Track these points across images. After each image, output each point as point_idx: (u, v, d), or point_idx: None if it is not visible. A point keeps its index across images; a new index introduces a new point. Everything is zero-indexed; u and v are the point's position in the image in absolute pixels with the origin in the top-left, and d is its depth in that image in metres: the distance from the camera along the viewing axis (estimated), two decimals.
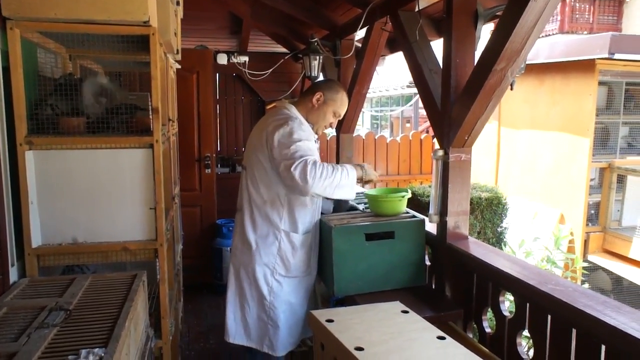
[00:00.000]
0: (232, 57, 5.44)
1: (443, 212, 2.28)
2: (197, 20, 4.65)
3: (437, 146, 2.32)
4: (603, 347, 1.50)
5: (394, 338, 1.63)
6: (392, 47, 3.99)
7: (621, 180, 4.94)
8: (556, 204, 5.04)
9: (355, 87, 3.61)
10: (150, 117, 2.11)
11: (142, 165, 2.09)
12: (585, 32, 11.80)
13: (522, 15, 1.65)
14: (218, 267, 4.67)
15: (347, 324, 1.74)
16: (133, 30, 1.99)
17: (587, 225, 4.96)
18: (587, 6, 12.76)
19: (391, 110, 18.16)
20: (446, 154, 2.22)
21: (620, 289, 5.21)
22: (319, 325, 1.76)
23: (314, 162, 2.11)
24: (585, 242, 4.90)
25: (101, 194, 2.07)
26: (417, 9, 2.51)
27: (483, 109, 2.02)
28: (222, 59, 5.41)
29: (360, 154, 6.55)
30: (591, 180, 5.03)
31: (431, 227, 2.45)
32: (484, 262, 2.05)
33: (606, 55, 4.34)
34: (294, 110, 2.38)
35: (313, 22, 4.16)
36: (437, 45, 2.58)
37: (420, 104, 15.76)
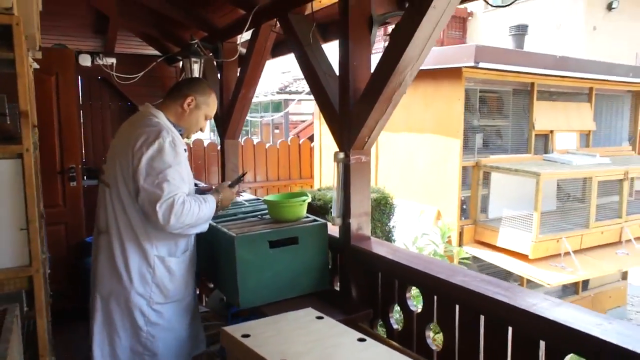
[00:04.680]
0: (97, 59, 4.97)
1: (346, 214, 2.28)
2: (54, 16, 4.13)
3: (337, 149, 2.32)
4: (510, 329, 1.60)
5: (316, 346, 1.57)
6: (275, 52, 3.95)
7: (486, 177, 5.52)
8: (433, 202, 5.46)
9: (241, 91, 3.49)
10: (18, 122, 1.79)
11: (9, 178, 1.75)
12: (436, 45, 13.03)
13: (421, 22, 1.71)
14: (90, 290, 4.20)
15: (264, 337, 1.64)
16: None
17: (460, 219, 5.45)
18: None
19: (261, 117, 18.16)
20: (347, 156, 2.23)
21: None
22: (235, 342, 1.64)
23: (182, 202, 1.97)
24: (460, 235, 5.38)
25: None
26: (311, 12, 2.50)
27: (383, 111, 2.06)
28: (85, 61, 4.91)
29: (238, 160, 6.40)
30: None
31: (332, 230, 2.44)
32: (390, 260, 2.09)
33: (472, 64, 4.82)
34: (162, 117, 2.13)
35: (190, 23, 3.94)
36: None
37: (291, 111, 16.05)
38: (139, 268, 2.09)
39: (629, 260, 5.56)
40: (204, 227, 2.18)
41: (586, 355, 1.37)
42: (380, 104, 2.01)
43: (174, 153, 2.02)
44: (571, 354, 1.44)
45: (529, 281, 5.30)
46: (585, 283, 6.44)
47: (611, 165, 5.70)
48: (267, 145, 7.71)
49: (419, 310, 2.05)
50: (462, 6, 2.49)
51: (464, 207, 5.52)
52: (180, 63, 5.16)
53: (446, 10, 1.75)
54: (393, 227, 4.33)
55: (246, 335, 1.64)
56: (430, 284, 1.93)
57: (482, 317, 1.70)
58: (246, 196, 3.45)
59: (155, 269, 2.10)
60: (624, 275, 6.97)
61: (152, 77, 5.18)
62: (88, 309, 4.21)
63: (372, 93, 2.02)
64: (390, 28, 2.17)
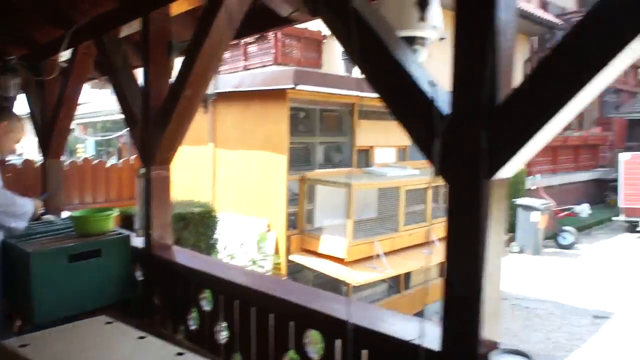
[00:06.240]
0: None
1: (148, 226, 2.44)
2: None
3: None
4: (272, 315, 1.90)
5: (95, 347, 1.71)
6: (103, 71, 3.92)
7: (311, 189, 6.02)
8: (265, 214, 5.80)
9: (62, 110, 3.43)
10: None
11: None
12: (292, 64, 13.70)
13: (200, 50, 1.99)
14: None
15: (45, 345, 1.73)
16: None
17: (288, 229, 5.86)
18: (295, 43, 14.85)
19: (113, 135, 17.23)
20: (148, 172, 2.40)
21: (319, 282, 6.29)
22: (12, 354, 1.70)
23: None
24: (288, 244, 5.78)
25: None
26: (124, 36, 2.65)
27: (176, 130, 2.28)
28: None
29: (74, 181, 6.16)
30: (295, 193, 5.98)
31: (139, 242, 2.57)
32: (186, 266, 2.29)
33: (292, 86, 5.31)
34: None
35: (10, 38, 3.77)
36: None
37: None
38: None
39: (432, 258, 6.46)
40: (21, 224, 2.40)
41: (320, 329, 1.72)
42: (173, 123, 2.23)
43: None
44: (312, 330, 1.78)
45: (341, 281, 5.83)
46: (407, 282, 7.28)
47: (418, 175, 6.61)
48: (108, 164, 7.44)
49: (210, 310, 2.28)
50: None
51: (292, 218, 5.96)
52: None
53: (223, 42, 2.04)
54: (216, 239, 4.55)
55: (24, 345, 1.70)
56: (216, 285, 2.17)
57: (253, 309, 1.99)
58: (63, 215, 3.41)
59: None
60: (442, 273, 8.01)
61: None
62: None
63: (165, 114, 2.24)
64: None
